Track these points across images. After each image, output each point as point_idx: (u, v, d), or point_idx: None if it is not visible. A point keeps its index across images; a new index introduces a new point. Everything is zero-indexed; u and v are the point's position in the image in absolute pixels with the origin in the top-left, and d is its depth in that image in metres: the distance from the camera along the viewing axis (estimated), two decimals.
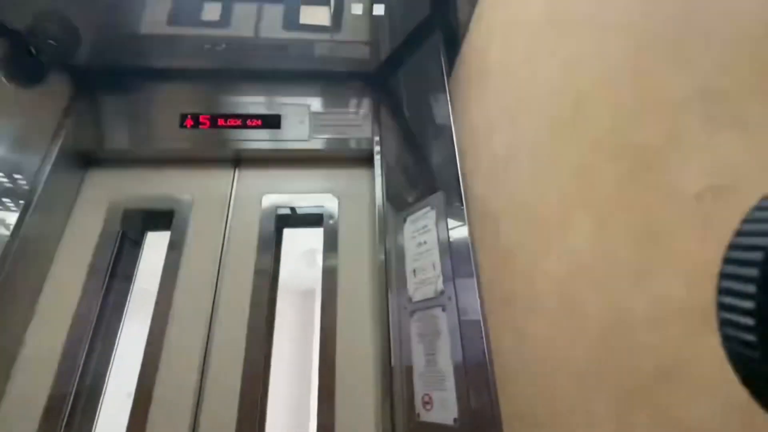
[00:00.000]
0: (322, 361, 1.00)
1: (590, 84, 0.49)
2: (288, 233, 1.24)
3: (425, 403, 0.84)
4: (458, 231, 0.89)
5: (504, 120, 0.76)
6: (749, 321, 0.17)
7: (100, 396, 0.99)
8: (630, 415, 0.40)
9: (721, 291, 0.19)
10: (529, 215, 0.65)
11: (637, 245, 0.41)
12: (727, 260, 0.19)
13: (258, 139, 1.18)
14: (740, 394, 0.30)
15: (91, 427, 0.96)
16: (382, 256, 1.06)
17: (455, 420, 0.77)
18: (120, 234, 1.09)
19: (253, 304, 1.04)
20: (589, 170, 0.49)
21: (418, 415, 0.84)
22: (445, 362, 0.82)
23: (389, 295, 1.01)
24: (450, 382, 0.80)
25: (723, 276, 0.19)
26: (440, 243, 0.91)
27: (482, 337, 0.77)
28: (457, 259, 0.87)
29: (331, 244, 1.14)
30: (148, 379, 0.94)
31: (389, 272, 1.03)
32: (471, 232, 0.86)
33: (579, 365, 0.49)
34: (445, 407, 0.79)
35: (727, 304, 0.19)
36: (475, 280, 0.82)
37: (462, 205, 0.88)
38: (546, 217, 0.59)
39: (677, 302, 0.36)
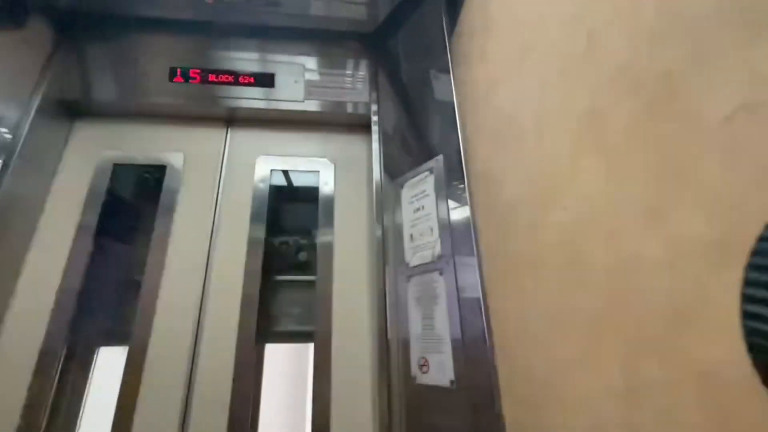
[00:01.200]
0: (317, 333, 0.99)
1: (607, 12, 0.45)
2: None
3: (422, 366, 0.82)
4: (458, 194, 0.86)
5: (509, 70, 0.72)
6: None
7: (93, 352, 0.99)
8: (637, 362, 0.38)
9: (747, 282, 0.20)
10: (536, 168, 0.61)
11: (652, 184, 0.38)
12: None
13: (251, 98, 1.13)
14: None
15: (87, 379, 0.96)
16: (380, 228, 1.03)
17: (452, 382, 0.76)
18: (110, 190, 1.05)
19: (247, 273, 1.02)
20: (602, 110, 0.46)
21: (414, 378, 0.83)
22: (443, 326, 0.81)
23: (386, 266, 0.99)
24: (447, 345, 0.78)
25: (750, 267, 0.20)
26: (438, 207, 0.89)
27: (480, 299, 0.75)
28: (457, 223, 0.84)
29: (327, 212, 1.11)
30: (143, 335, 0.93)
31: (386, 241, 1.01)
32: (471, 195, 0.83)
33: (584, 317, 0.47)
34: (441, 369, 0.78)
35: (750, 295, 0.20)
36: (474, 243, 0.79)
37: (462, 167, 0.86)
38: (553, 166, 0.56)
39: (696, 239, 0.33)
